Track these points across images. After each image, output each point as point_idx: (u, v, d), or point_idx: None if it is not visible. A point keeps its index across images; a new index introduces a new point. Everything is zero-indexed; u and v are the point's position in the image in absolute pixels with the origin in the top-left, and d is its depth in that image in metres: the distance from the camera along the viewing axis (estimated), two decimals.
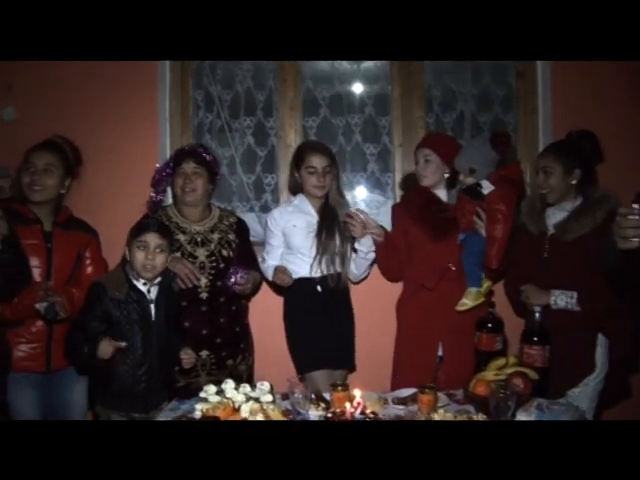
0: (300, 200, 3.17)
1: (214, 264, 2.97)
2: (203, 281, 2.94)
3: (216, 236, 3.03)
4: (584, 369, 2.77)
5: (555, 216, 2.86)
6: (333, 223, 3.11)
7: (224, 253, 3.01)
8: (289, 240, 3.12)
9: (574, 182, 2.83)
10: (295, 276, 3.04)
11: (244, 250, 3.12)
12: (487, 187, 2.84)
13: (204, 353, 2.94)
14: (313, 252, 3.07)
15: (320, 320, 3.06)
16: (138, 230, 2.62)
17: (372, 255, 3.09)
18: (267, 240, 3.17)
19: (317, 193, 3.11)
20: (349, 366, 3.19)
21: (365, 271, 3.22)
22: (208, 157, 3.08)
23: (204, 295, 2.95)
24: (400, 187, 3.37)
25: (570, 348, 2.68)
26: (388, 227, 3.18)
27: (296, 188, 3.22)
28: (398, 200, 3.44)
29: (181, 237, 2.97)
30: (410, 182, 3.17)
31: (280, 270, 3.00)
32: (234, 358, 3.04)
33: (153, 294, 2.62)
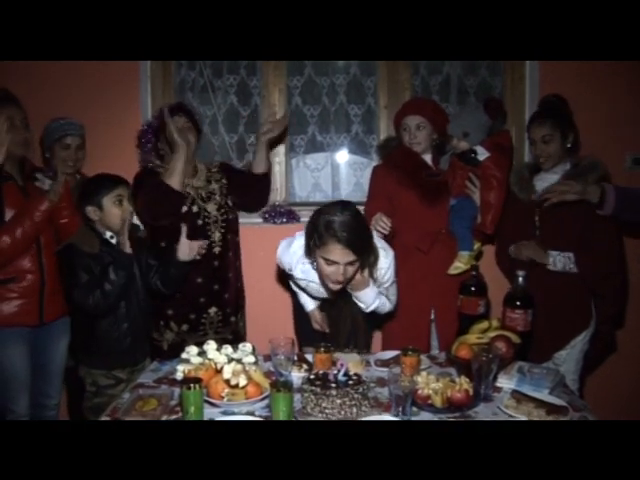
0: (311, 275, 2.52)
1: (224, 216, 3.00)
2: (217, 235, 2.96)
3: (216, 186, 3.03)
4: (577, 329, 2.86)
5: (546, 181, 2.89)
6: (346, 306, 2.59)
7: (229, 202, 3.03)
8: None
9: (569, 145, 2.90)
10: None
11: (241, 180, 3.12)
12: (482, 153, 2.85)
13: (212, 310, 2.98)
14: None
15: (328, 305, 2.75)
16: (109, 186, 2.60)
17: (373, 307, 2.55)
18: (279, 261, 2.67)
19: (330, 287, 2.41)
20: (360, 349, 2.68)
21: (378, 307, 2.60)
22: (194, 112, 3.10)
23: (217, 249, 2.97)
24: (379, 151, 3.28)
25: (565, 308, 2.78)
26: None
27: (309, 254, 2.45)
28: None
29: (191, 191, 2.97)
30: (390, 146, 3.13)
31: (315, 318, 2.77)
32: (236, 314, 3.08)
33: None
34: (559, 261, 2.82)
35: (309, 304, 2.78)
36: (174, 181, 2.81)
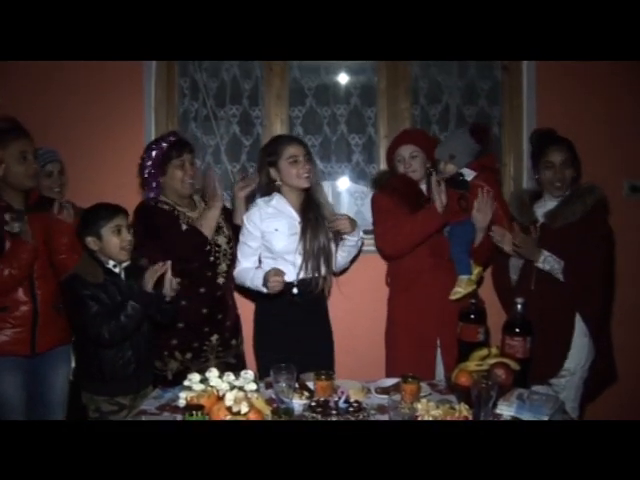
0: (277, 201, 2.89)
1: (232, 249, 3.01)
2: (223, 267, 2.98)
3: (220, 218, 3.00)
4: (561, 357, 2.87)
5: (546, 206, 2.96)
6: (317, 222, 2.88)
7: (232, 235, 3.04)
8: (270, 245, 2.86)
9: (574, 174, 2.96)
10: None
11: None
12: (469, 174, 2.91)
13: (214, 337, 2.99)
14: (298, 257, 2.84)
15: (293, 328, 2.86)
16: (107, 216, 2.61)
17: (360, 244, 2.97)
18: (244, 241, 2.89)
19: (303, 184, 2.85)
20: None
21: (347, 262, 3.06)
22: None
23: (222, 280, 2.99)
24: (374, 184, 3.23)
25: (549, 336, 2.76)
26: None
27: (269, 189, 2.92)
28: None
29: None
30: (384, 179, 3.13)
31: (273, 272, 2.71)
32: (236, 338, 3.11)
33: (122, 275, 2.67)
34: (548, 262, 2.84)
35: (260, 275, 2.78)
36: (208, 231, 2.89)
